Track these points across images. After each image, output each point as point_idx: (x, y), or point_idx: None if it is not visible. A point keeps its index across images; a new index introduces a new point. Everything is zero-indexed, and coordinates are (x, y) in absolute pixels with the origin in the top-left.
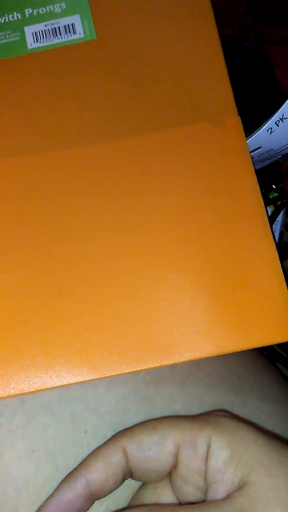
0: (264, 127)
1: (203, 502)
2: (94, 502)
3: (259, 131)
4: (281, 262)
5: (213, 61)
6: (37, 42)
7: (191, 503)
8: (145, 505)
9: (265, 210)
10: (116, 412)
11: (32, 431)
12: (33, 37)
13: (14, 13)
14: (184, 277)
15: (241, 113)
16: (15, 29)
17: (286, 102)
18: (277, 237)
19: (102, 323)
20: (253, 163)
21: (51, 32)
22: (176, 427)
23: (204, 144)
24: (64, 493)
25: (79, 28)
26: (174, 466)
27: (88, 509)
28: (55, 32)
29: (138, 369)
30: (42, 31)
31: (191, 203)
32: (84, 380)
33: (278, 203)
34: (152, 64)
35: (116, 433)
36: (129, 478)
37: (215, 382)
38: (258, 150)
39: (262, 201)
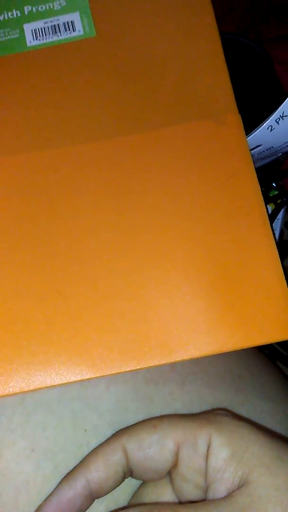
0: (264, 125)
1: (203, 501)
2: (94, 501)
3: (259, 129)
4: (282, 260)
5: (213, 58)
6: (36, 39)
7: (191, 502)
8: (145, 504)
9: (265, 208)
10: (116, 410)
11: (32, 430)
12: (33, 35)
13: (13, 10)
14: (184, 275)
15: (241, 110)
16: (15, 26)
17: (286, 100)
18: (277, 235)
19: (102, 321)
20: (253, 161)
21: (50, 30)
22: (176, 425)
23: (204, 142)
24: (64, 492)
25: (78, 25)
26: (174, 465)
27: (88, 508)
28: (55, 29)
29: (138, 367)
30: (41, 28)
31: (191, 201)
32: (84, 378)
33: (278, 201)
34: (152, 62)
35: (116, 431)
36: (129, 477)
37: (215, 381)
38: (258, 148)
39: (262, 199)
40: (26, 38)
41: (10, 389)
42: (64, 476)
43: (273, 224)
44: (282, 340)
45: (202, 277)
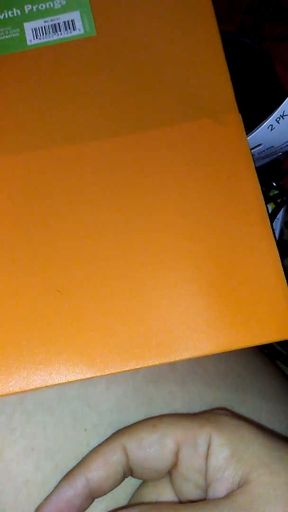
0: (264, 124)
1: (203, 500)
2: (94, 501)
3: (260, 128)
4: (282, 260)
5: (214, 58)
6: (36, 38)
7: (191, 502)
8: (145, 504)
9: (265, 207)
10: (116, 410)
11: (32, 429)
12: (33, 33)
13: (14, 9)
14: (184, 275)
15: (242, 110)
16: (15, 25)
17: (286, 99)
18: (277, 235)
19: (102, 321)
20: (254, 161)
21: (50, 28)
22: (176, 425)
23: (204, 141)
24: (64, 491)
25: (79, 24)
26: (174, 464)
27: (88, 507)
28: (55, 28)
29: (138, 367)
30: (41, 27)
31: (191, 201)
32: (84, 378)
33: (279, 200)
34: (152, 61)
35: (116, 431)
36: (129, 476)
37: (215, 380)
38: (259, 148)
39: (262, 198)
40: (26, 37)
41: (10, 388)
42: (64, 476)
43: (273, 224)
44: (282, 340)
45: (202, 276)
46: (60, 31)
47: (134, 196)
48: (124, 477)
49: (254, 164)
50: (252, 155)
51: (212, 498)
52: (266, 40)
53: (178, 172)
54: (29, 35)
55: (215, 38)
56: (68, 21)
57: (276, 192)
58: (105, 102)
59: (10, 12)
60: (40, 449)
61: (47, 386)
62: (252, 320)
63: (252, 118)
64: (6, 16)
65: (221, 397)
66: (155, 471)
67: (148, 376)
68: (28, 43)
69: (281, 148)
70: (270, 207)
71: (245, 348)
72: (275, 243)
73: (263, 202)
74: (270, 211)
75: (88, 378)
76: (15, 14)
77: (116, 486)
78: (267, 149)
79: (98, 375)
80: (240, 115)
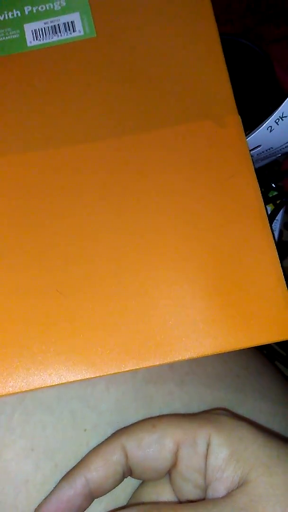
0: (264, 126)
1: (203, 500)
2: (93, 501)
3: (259, 130)
4: (281, 261)
5: (213, 59)
6: (36, 39)
7: (191, 502)
8: (144, 504)
9: (264, 208)
10: (115, 410)
11: (32, 429)
12: (33, 35)
13: (14, 10)
14: (184, 275)
15: (241, 111)
16: (15, 26)
17: (286, 100)
18: (276, 236)
19: (102, 321)
20: (253, 162)
21: (50, 30)
22: (175, 425)
23: (204, 143)
24: (64, 491)
25: (78, 25)
26: (174, 465)
27: (87, 507)
28: (55, 29)
29: (138, 367)
30: (41, 28)
31: (191, 202)
32: (83, 378)
33: (278, 201)
34: (151, 62)
35: (116, 431)
36: (129, 477)
37: (214, 381)
38: (258, 149)
39: (261, 199)
40: (26, 38)
41: (9, 388)
42: (64, 476)
43: (272, 225)
44: (281, 340)
45: (202, 277)
46: (60, 32)
47: (134, 197)
48: (123, 477)
49: (254, 165)
50: (252, 156)
51: (212, 498)
52: (265, 41)
53: (177, 173)
54: (29, 37)
55: (214, 39)
56: (68, 23)
57: (275, 193)
58: (105, 103)
59: (10, 13)
60: (40, 449)
61: (46, 387)
62: (251, 321)
63: (251, 120)
64: (6, 17)
65: (220, 398)
66: (155, 471)
67: (147, 377)
68: (28, 44)
69: (280, 150)
70: (269, 208)
71: (244, 348)
72: (275, 244)
73: (262, 203)
74: (269, 212)
75: (87, 379)
76: (15, 15)
77: (115, 486)
78: (266, 150)
79: (98, 375)
80: (239, 116)
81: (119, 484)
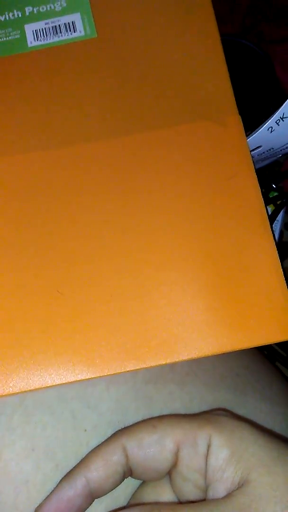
0: (264, 126)
1: (203, 500)
2: (93, 501)
3: (260, 130)
4: (281, 261)
5: (214, 59)
6: (37, 40)
7: (191, 502)
8: (144, 504)
9: (265, 209)
10: (115, 410)
11: (32, 430)
12: (33, 35)
13: (15, 11)
14: (184, 276)
15: (242, 112)
16: (16, 27)
17: (286, 101)
18: (277, 237)
19: (102, 321)
20: (253, 162)
21: (51, 30)
22: (176, 425)
23: (204, 143)
24: (64, 492)
25: (79, 26)
26: (174, 465)
27: (87, 508)
28: (56, 30)
29: (138, 367)
30: (42, 29)
31: (191, 202)
32: (83, 378)
33: (278, 202)
34: (152, 63)
35: (116, 431)
36: (129, 477)
37: (214, 381)
38: (259, 149)
39: (262, 200)
40: (27, 39)
41: (10, 389)
42: (64, 476)
43: (273, 225)
44: (282, 341)
45: (202, 277)
46: (60, 33)
47: (134, 197)
48: (124, 477)
49: (254, 166)
50: (252, 157)
51: (212, 499)
52: (266, 42)
53: (178, 174)
54: (29, 37)
55: (215, 39)
56: (68, 23)
57: (276, 194)
58: (106, 103)
59: (11, 14)
60: (40, 449)
61: (47, 387)
62: (251, 322)
63: (252, 120)
64: (7, 18)
65: (220, 398)
66: (155, 472)
67: (147, 377)
68: (29, 45)
69: (280, 150)
70: (270, 209)
71: (245, 349)
72: (275, 245)
73: (263, 204)
74: (269, 213)
75: (88, 379)
76: (16, 16)
77: (116, 487)
78: (267, 151)
79: (98, 375)
80: (240, 117)
81: (119, 484)
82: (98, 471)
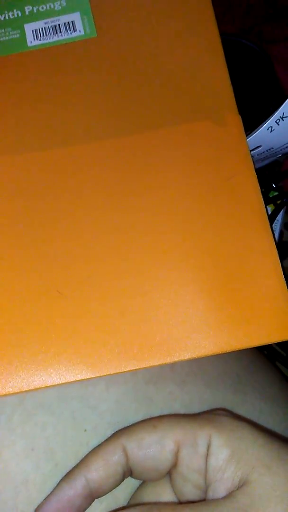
0: (264, 126)
1: (203, 500)
2: (93, 501)
3: (260, 130)
4: (281, 261)
5: (214, 59)
6: (37, 39)
7: (191, 502)
8: (144, 504)
9: (265, 209)
10: (115, 410)
11: (32, 429)
12: (33, 35)
13: (14, 10)
14: (184, 275)
15: (242, 111)
16: (15, 26)
17: (286, 101)
18: (277, 236)
19: (102, 321)
20: (253, 162)
21: (51, 30)
22: (176, 425)
23: (204, 143)
24: (64, 492)
25: (79, 25)
26: (174, 465)
27: (87, 508)
28: (55, 29)
29: (138, 367)
30: (42, 28)
31: (191, 202)
32: (83, 378)
33: (278, 202)
34: (152, 62)
35: (116, 431)
36: (129, 477)
37: (215, 381)
38: (258, 149)
39: (262, 200)
40: (26, 38)
41: (10, 388)
42: (64, 476)
43: (273, 225)
44: (282, 341)
45: (202, 277)
46: (60, 32)
47: (134, 197)
48: (124, 477)
49: (254, 165)
50: (252, 157)
51: (212, 499)
52: (266, 41)
53: (178, 173)
54: (29, 36)
55: (215, 39)
56: (68, 22)
57: (276, 193)
58: (105, 103)
59: (10, 13)
60: (40, 449)
61: (46, 387)
62: (251, 321)
63: (252, 120)
64: (7, 17)
65: (220, 398)
66: (155, 472)
67: (148, 377)
68: (29, 44)
69: (280, 150)
70: (270, 208)
71: (245, 349)
72: (275, 245)
73: (263, 204)
74: (269, 213)
75: (87, 379)
76: (15, 15)
77: (116, 487)
78: (267, 150)
79: (98, 375)
80: (240, 116)
81: (119, 484)
82: (98, 471)
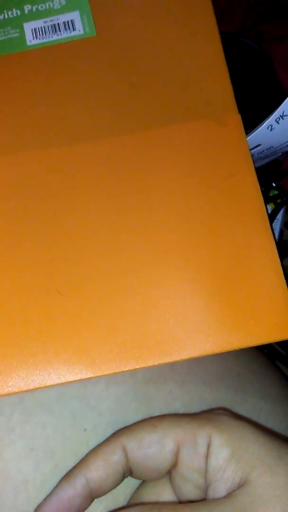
0: (264, 125)
1: (203, 500)
2: (93, 500)
3: (259, 129)
4: (281, 260)
5: (213, 58)
6: (36, 38)
7: (191, 502)
8: (144, 504)
9: (265, 208)
10: (115, 410)
11: (31, 429)
12: (33, 34)
13: (14, 9)
14: (184, 275)
15: (241, 110)
16: (15, 25)
17: (286, 100)
18: (277, 235)
19: (101, 321)
20: (253, 161)
21: (50, 29)
22: (176, 425)
23: (204, 142)
24: (64, 491)
25: (78, 24)
26: (174, 465)
27: (87, 508)
28: (55, 28)
29: (138, 367)
30: (41, 27)
31: (191, 201)
32: (83, 378)
33: (278, 201)
34: (152, 61)
35: (116, 431)
36: (129, 477)
37: (214, 380)
38: (258, 148)
39: (262, 199)
40: (26, 37)
41: (9, 388)
42: (64, 476)
43: (273, 224)
44: (282, 340)
45: (202, 276)
46: (59, 31)
47: (134, 196)
48: (123, 477)
49: (254, 164)
50: (252, 156)
51: (212, 498)
52: (265, 40)
53: (178, 172)
54: (28, 36)
55: (214, 38)
56: (67, 22)
57: (276, 192)
58: (105, 102)
59: (9, 13)
60: (40, 449)
61: (46, 386)
62: (251, 320)
63: (251, 119)
64: (6, 17)
65: (220, 397)
66: (155, 471)
67: (147, 376)
68: (28, 43)
69: (280, 149)
70: (270, 207)
71: (245, 348)
72: (275, 244)
73: (263, 203)
74: (269, 212)
75: (87, 378)
76: (14, 14)
77: (115, 486)
78: (267, 149)
79: (98, 375)
80: (239, 115)
81: (119, 484)
82: (98, 471)
